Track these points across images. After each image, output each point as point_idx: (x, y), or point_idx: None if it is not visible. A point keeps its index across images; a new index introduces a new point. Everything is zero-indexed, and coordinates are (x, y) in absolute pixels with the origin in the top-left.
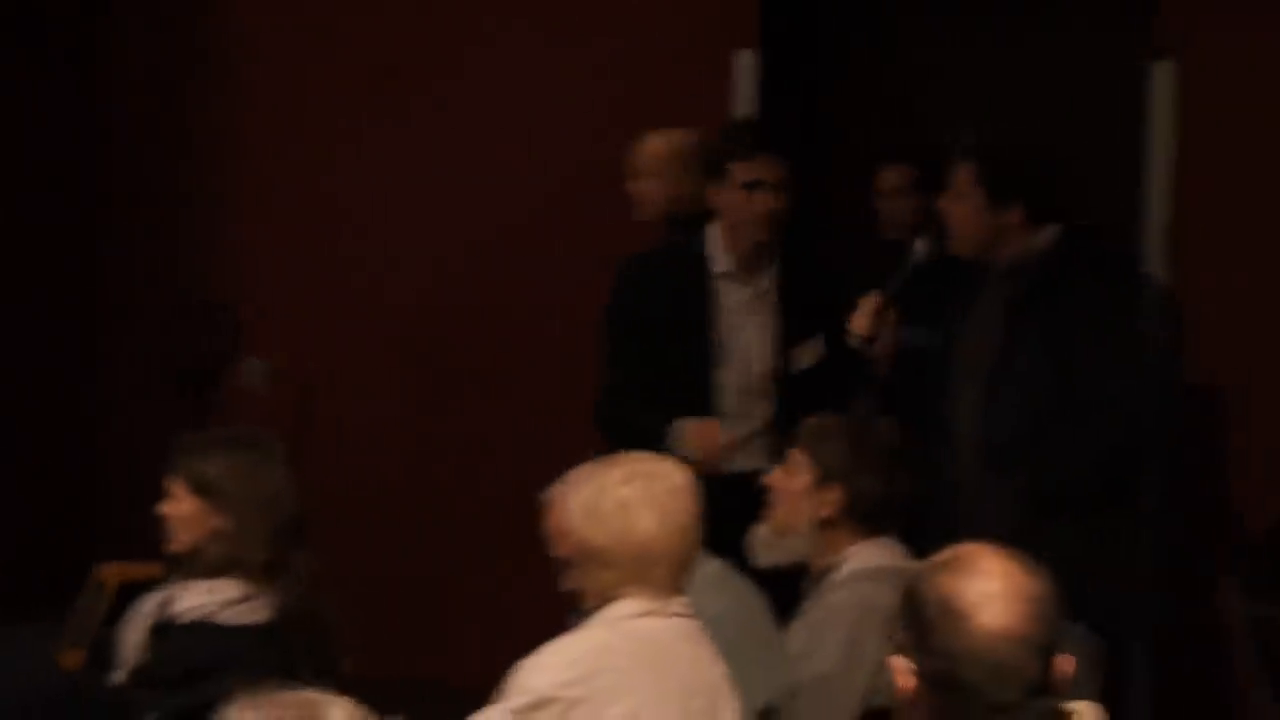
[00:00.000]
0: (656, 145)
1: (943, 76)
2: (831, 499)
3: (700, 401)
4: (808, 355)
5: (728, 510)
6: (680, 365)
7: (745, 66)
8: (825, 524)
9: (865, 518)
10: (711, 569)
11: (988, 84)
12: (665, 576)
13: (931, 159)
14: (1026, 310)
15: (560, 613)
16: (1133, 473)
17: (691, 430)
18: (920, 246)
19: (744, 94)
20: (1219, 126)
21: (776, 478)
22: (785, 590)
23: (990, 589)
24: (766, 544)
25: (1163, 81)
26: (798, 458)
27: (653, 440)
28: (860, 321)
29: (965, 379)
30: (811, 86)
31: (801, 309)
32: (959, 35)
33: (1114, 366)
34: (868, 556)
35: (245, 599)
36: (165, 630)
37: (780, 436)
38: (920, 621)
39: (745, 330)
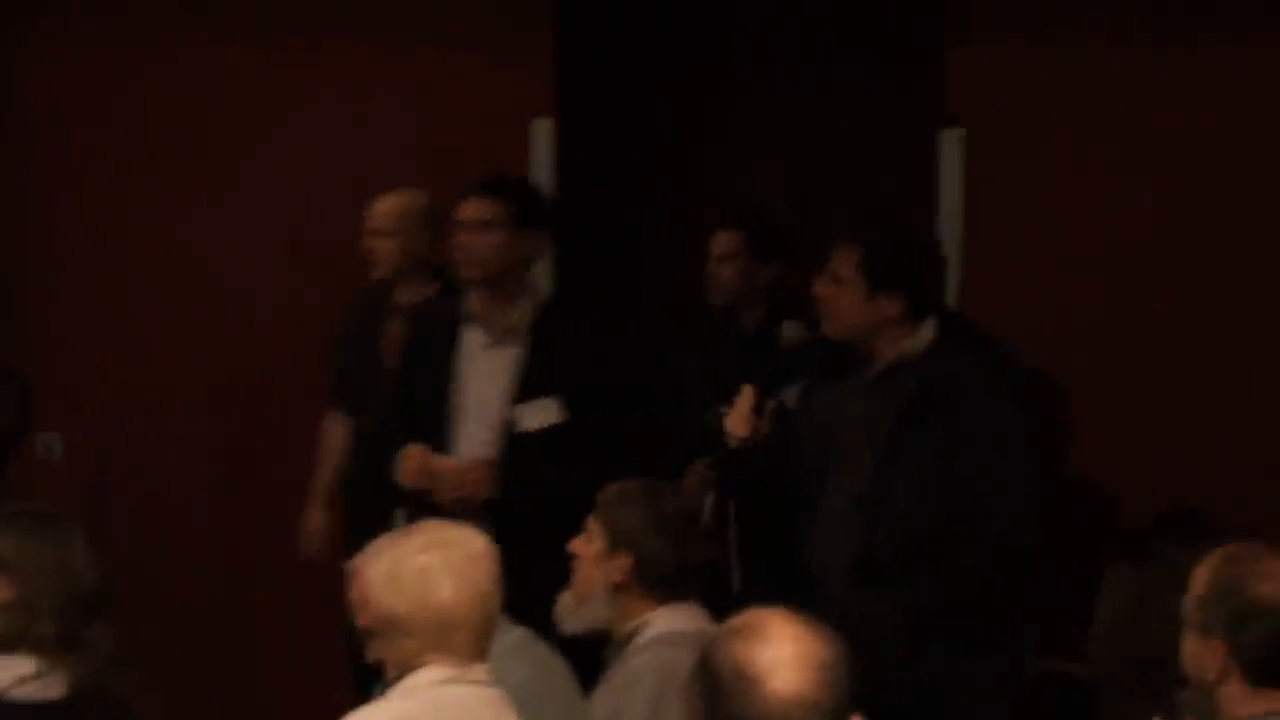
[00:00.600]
0: (389, 204)
1: (744, 143)
2: (621, 565)
3: (441, 450)
4: (534, 416)
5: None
6: (424, 414)
7: (543, 133)
8: (618, 590)
9: (657, 583)
10: (513, 637)
11: (787, 147)
12: (466, 644)
13: (759, 226)
14: (917, 419)
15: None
16: (1012, 586)
17: (403, 457)
18: (790, 331)
19: (541, 160)
20: (1004, 192)
21: (576, 544)
22: (596, 657)
23: (781, 655)
24: (569, 611)
25: (951, 148)
26: (593, 524)
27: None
28: (737, 422)
29: (838, 486)
30: (613, 152)
31: (542, 368)
32: (759, 101)
33: (1007, 480)
34: (669, 622)
35: (38, 675)
36: None
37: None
38: (713, 688)
39: (483, 382)
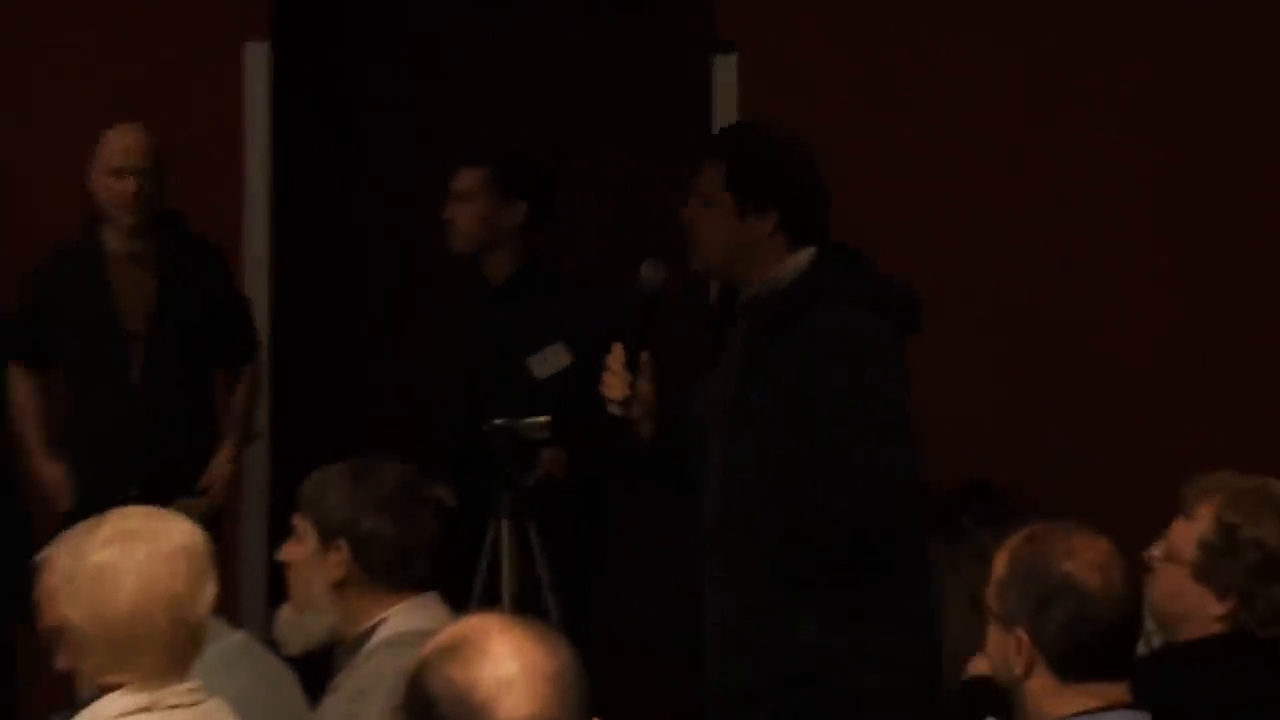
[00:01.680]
0: (129, 139)
1: (490, 72)
2: (337, 558)
3: None
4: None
5: None
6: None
7: (256, 59)
8: (341, 588)
9: (382, 572)
10: (231, 643)
11: (540, 81)
12: (157, 661)
13: (504, 161)
14: (764, 354)
15: None
16: (891, 542)
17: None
18: (649, 272)
19: (255, 88)
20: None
21: (285, 551)
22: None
23: (506, 674)
24: (291, 626)
25: (725, 75)
26: (299, 523)
27: None
28: (613, 384)
29: (710, 434)
30: (340, 83)
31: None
32: (508, 29)
33: (865, 427)
34: (405, 620)
35: None
36: None
37: None
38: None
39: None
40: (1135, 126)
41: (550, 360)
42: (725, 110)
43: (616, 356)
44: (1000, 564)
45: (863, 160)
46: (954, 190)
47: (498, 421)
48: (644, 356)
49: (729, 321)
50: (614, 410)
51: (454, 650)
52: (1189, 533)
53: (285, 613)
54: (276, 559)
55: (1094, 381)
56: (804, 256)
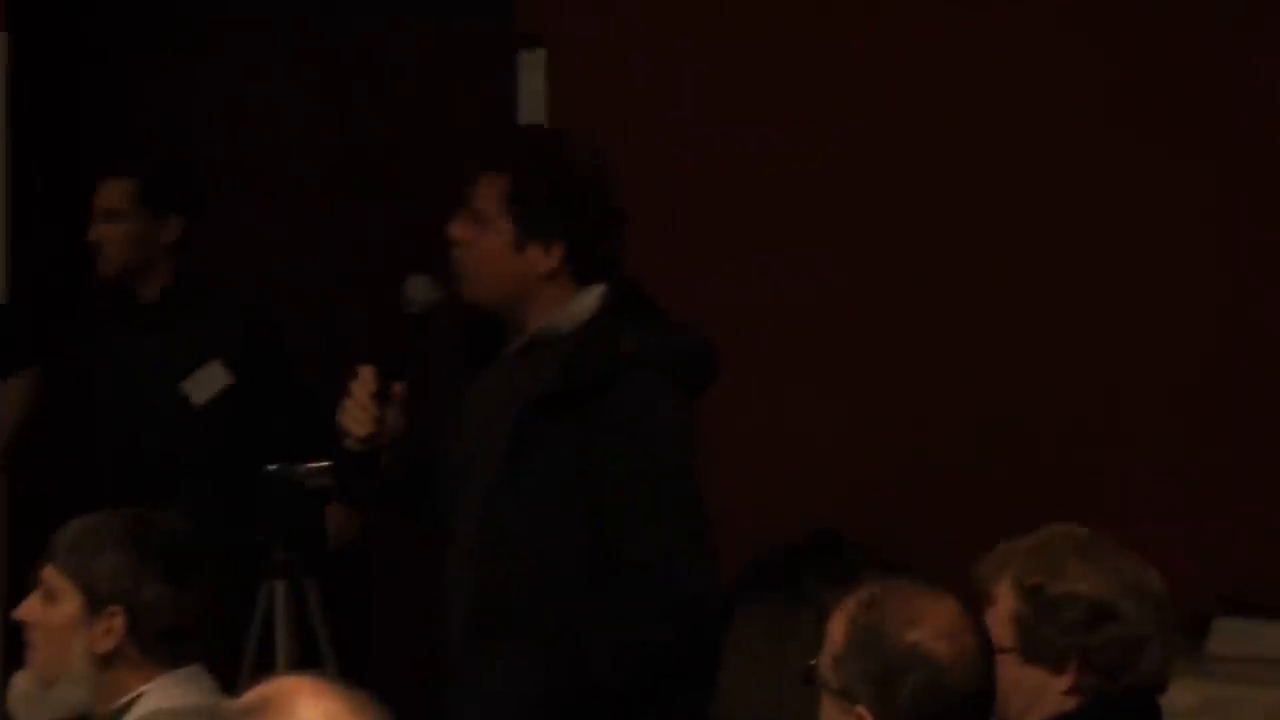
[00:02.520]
0: None
1: (277, 74)
2: (111, 627)
3: None
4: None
5: None
6: None
7: None
8: (108, 661)
9: (156, 643)
10: None
11: (341, 80)
12: None
13: (156, 170)
14: (538, 426)
15: None
16: (678, 673)
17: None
18: (417, 291)
19: None
20: (588, 115)
21: (31, 610)
22: None
23: None
24: (30, 701)
25: (532, 70)
26: (54, 580)
27: None
28: (356, 416)
29: (459, 505)
30: (72, 78)
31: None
32: (287, 16)
33: (660, 532)
34: (166, 694)
35: None
36: None
37: None
38: None
39: None
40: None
41: (207, 382)
42: (532, 107)
43: (364, 384)
44: (836, 632)
45: (686, 169)
46: (790, 201)
47: (271, 468)
48: (398, 388)
49: (485, 352)
50: (352, 446)
51: (256, 713)
52: (998, 616)
53: (23, 683)
54: (14, 617)
55: (963, 417)
56: (590, 299)
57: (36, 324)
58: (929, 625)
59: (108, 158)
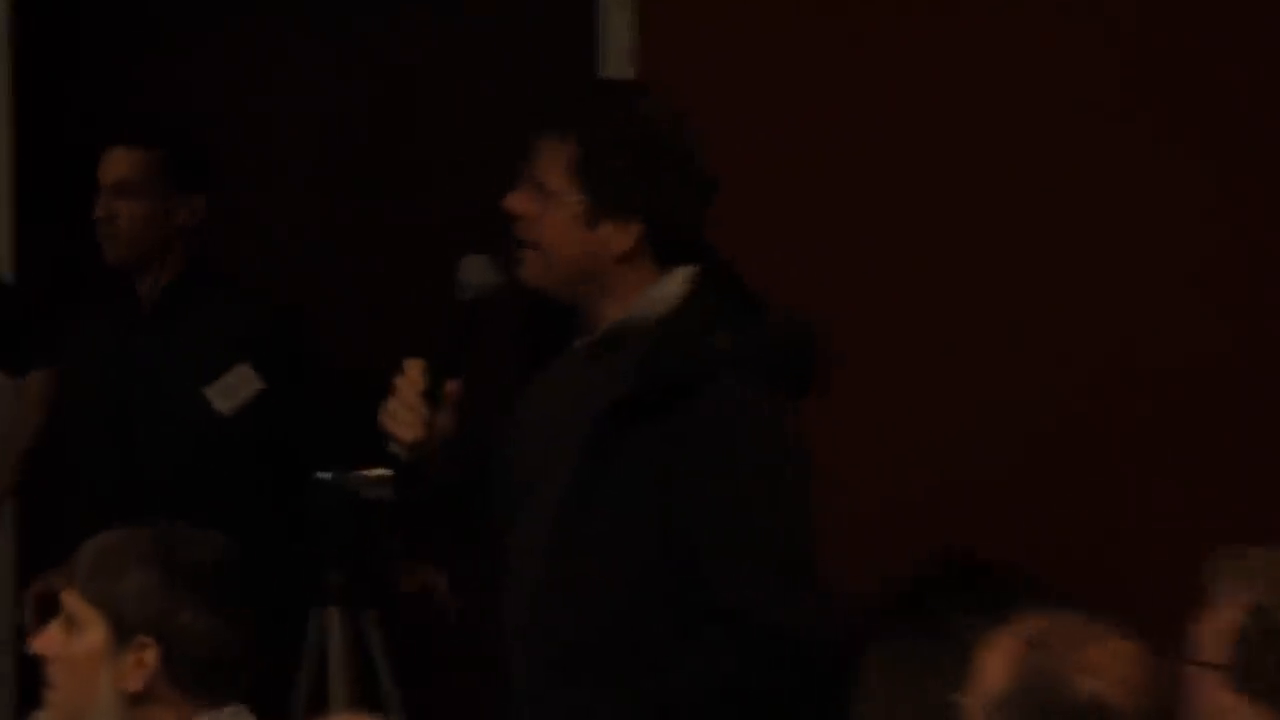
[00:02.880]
0: None
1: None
2: (141, 661)
3: None
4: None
5: None
6: None
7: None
8: (138, 699)
9: (198, 676)
10: None
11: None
12: None
13: (179, 141)
14: (618, 436)
15: None
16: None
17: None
18: (473, 274)
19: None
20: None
21: (50, 642)
22: None
23: None
24: None
25: (616, 13)
26: (76, 606)
27: None
28: (403, 419)
29: (521, 531)
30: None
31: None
32: None
33: (763, 552)
34: None
35: None
36: None
37: None
38: None
39: None
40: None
41: (236, 388)
42: (614, 55)
43: (411, 382)
44: (995, 671)
45: (798, 141)
46: (913, 181)
47: (324, 476)
48: (450, 386)
49: (557, 342)
50: (398, 453)
51: None
52: (1216, 627)
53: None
54: (31, 651)
55: (1102, 425)
56: (675, 285)
57: (50, 315)
58: (1109, 673)
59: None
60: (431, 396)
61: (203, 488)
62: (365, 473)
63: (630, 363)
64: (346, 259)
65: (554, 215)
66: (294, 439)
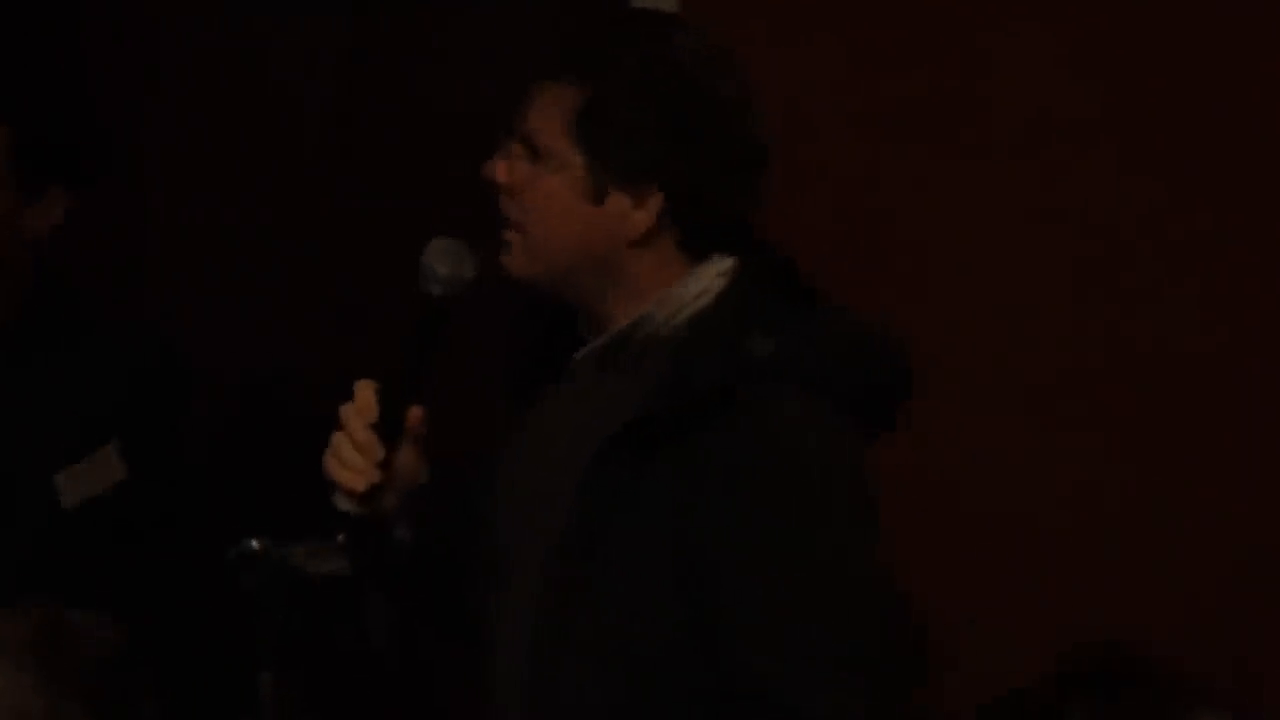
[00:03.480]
0: None
1: None
2: None
3: None
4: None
5: None
6: None
7: None
8: None
9: None
10: None
11: None
12: None
13: (36, 118)
14: (635, 467)
15: None
16: None
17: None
18: (443, 264)
19: None
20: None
21: None
22: None
23: None
24: None
25: None
26: None
27: None
28: (352, 462)
29: (507, 586)
30: None
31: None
32: None
33: (808, 624)
34: None
35: None
36: None
37: None
38: None
39: None
40: None
41: (92, 477)
42: None
43: (361, 411)
44: None
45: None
46: (1011, 165)
47: (252, 544)
48: (413, 414)
49: (551, 352)
50: (345, 507)
51: None
52: None
53: None
54: None
55: None
56: (708, 278)
57: None
58: None
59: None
60: (388, 429)
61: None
62: (305, 546)
63: (646, 377)
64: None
65: (547, 184)
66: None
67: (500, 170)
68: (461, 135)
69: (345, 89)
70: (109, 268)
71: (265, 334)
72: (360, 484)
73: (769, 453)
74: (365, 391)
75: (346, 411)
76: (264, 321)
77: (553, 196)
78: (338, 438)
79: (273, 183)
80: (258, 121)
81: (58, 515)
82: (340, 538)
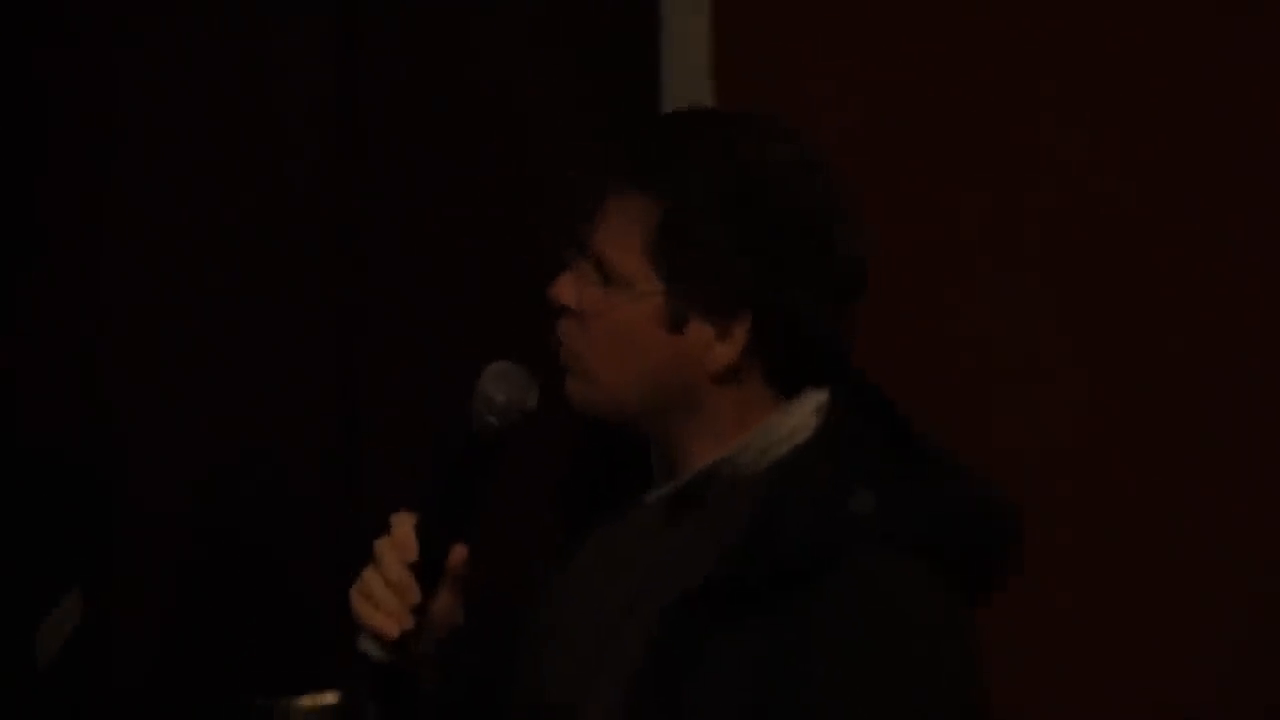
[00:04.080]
0: None
1: None
2: None
3: None
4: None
5: None
6: None
7: None
8: None
9: None
10: None
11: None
12: None
13: None
14: (712, 622)
15: None
16: None
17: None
18: (501, 389)
19: None
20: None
21: None
22: None
23: None
24: None
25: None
26: None
27: None
28: (385, 605)
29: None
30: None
31: None
32: None
33: None
34: None
35: None
36: None
37: None
38: None
39: None
40: None
41: (59, 626)
42: (680, 82)
43: (399, 547)
44: None
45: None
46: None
47: (258, 702)
48: (456, 553)
49: (618, 491)
50: (374, 654)
51: None
52: None
53: None
54: None
55: None
56: (801, 415)
57: None
58: None
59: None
60: (427, 570)
61: None
62: (302, 701)
63: (729, 526)
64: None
65: (623, 313)
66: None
67: (567, 294)
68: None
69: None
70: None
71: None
72: (393, 629)
73: (873, 626)
74: (404, 526)
75: (382, 546)
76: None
77: (628, 326)
78: (369, 575)
79: None
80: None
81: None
82: (331, 698)
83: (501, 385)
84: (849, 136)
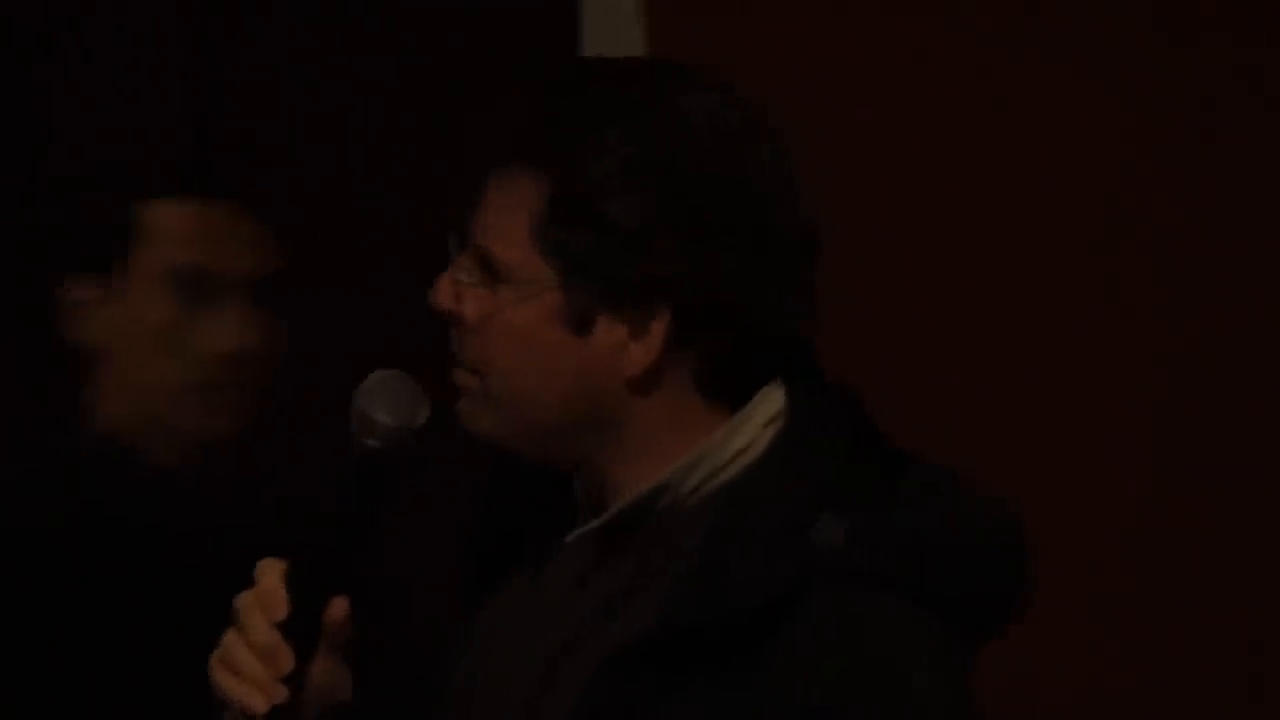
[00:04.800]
0: None
1: None
2: None
3: None
4: None
5: None
6: None
7: None
8: None
9: None
10: None
11: None
12: None
13: None
14: (650, 680)
15: None
16: None
17: None
18: (383, 409)
19: None
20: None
21: None
22: None
23: None
24: None
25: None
26: None
27: None
28: (251, 674)
29: None
30: None
31: None
32: None
33: None
34: None
35: None
36: None
37: None
38: None
39: None
40: None
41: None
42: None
43: (265, 603)
44: None
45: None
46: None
47: None
48: (334, 608)
49: (533, 527)
50: None
51: None
52: None
53: None
54: None
55: None
56: (753, 430)
57: None
58: None
59: None
60: (302, 629)
61: None
62: None
63: (667, 568)
64: None
65: (512, 316)
66: None
67: (446, 296)
68: None
69: None
70: None
71: None
72: (260, 703)
73: (845, 683)
74: (270, 576)
75: (244, 603)
76: None
77: (521, 331)
78: (230, 639)
79: None
80: None
81: None
82: None
83: (382, 401)
84: (801, 97)
